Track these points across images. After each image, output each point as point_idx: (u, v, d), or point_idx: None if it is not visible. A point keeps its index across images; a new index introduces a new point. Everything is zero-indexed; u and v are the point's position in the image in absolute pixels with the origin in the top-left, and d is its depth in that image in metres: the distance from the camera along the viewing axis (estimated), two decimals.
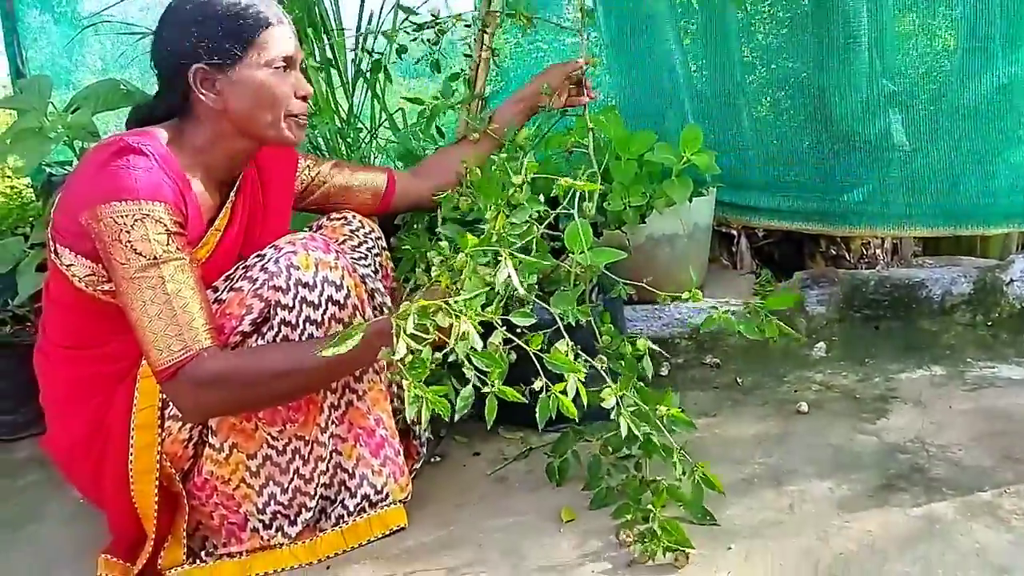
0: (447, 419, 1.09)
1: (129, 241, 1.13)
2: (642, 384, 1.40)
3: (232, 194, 1.33)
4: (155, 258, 1.14)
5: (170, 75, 1.24)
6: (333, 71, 2.20)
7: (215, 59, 1.21)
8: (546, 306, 1.63)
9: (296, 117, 1.27)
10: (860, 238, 2.15)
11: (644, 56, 2.20)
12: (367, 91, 2.23)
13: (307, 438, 1.28)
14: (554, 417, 1.69)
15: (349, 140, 2.09)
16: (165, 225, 1.15)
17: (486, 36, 2.30)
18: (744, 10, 2.11)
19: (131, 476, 1.25)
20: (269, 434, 1.27)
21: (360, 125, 2.21)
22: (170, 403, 1.24)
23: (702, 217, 2.03)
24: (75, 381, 1.26)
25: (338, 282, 1.26)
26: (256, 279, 1.25)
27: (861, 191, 2.09)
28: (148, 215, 1.14)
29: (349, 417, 1.33)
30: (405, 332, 1.01)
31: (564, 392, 1.19)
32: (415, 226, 1.82)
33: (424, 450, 1.56)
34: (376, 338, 1.13)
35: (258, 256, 1.27)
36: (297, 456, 1.29)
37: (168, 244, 1.15)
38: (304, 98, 1.27)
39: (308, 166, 1.54)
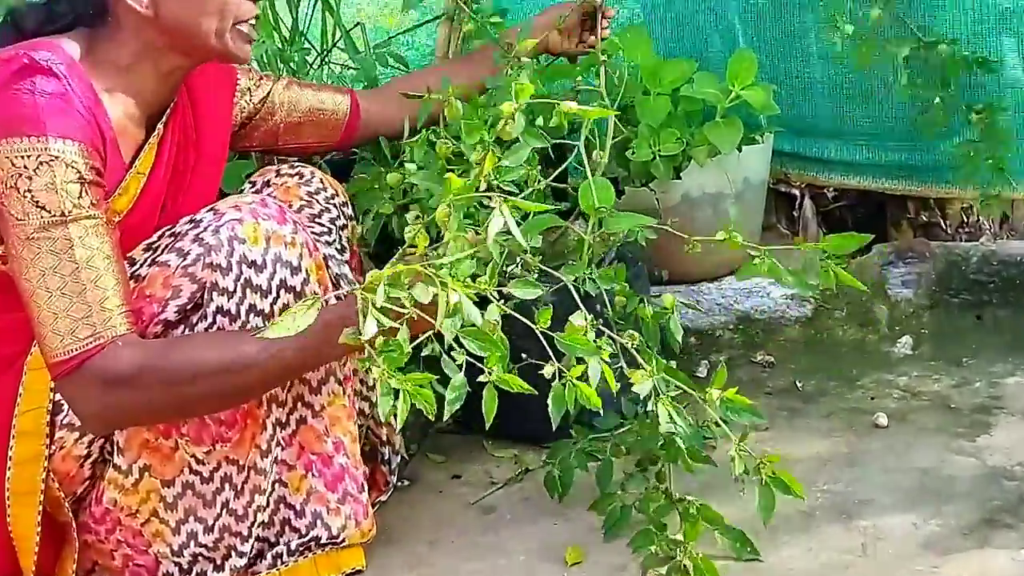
0: (425, 428, 1.09)
1: (29, 190, 1.12)
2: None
3: (160, 126, 1.32)
4: (62, 214, 1.12)
5: None
6: None
7: None
8: (555, 272, 1.63)
9: (246, 25, 1.27)
10: (960, 201, 2.15)
11: None
12: (316, 1, 2.21)
13: (242, 463, 1.28)
14: (557, 425, 1.72)
15: (293, 64, 2.07)
16: (78, 171, 1.14)
17: None
18: None
19: (7, 497, 1.25)
20: (193, 455, 1.27)
21: (307, 45, 2.19)
22: (63, 406, 1.23)
23: (755, 172, 2.02)
24: None
25: (295, 263, 1.25)
26: (188, 252, 1.24)
27: (963, 139, 2.08)
28: (57, 157, 1.12)
29: (300, 439, 1.33)
30: (375, 307, 1.00)
31: (584, 379, 1.17)
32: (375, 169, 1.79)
33: (394, 479, 1.57)
34: (339, 325, 1.10)
35: (191, 222, 1.26)
36: (227, 485, 1.29)
37: (80, 197, 1.14)
38: (253, 2, 1.27)
39: (250, 87, 1.53)
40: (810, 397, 1.80)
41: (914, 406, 1.72)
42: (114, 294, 1.15)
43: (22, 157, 1.12)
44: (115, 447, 1.26)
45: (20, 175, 1.11)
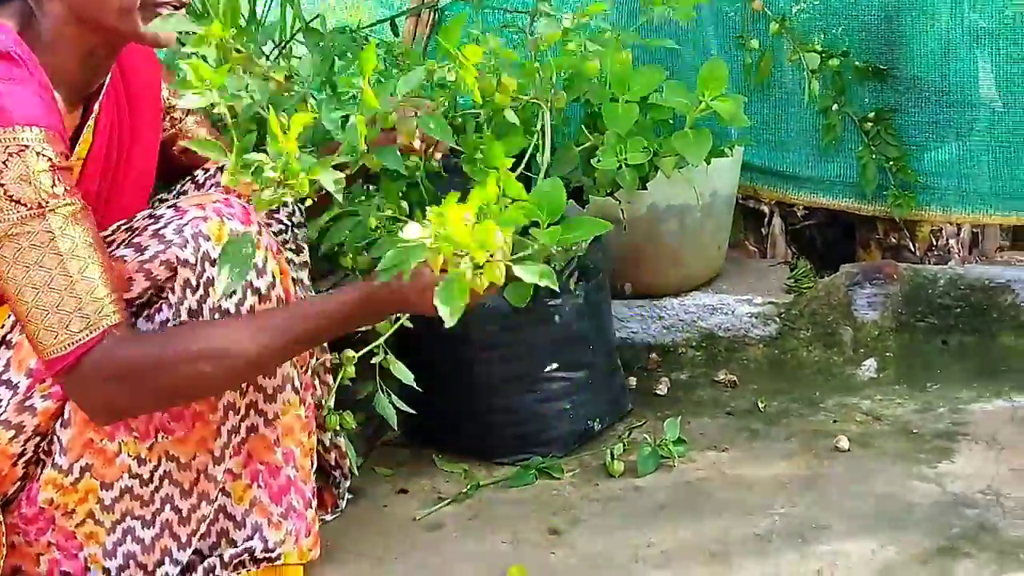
0: (373, 439, 1.08)
1: (1, 184, 1.10)
2: None
3: (95, 108, 1.30)
4: (39, 206, 1.11)
5: None
6: None
7: None
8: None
9: (163, 6, 1.22)
10: (930, 223, 2.18)
11: None
12: None
13: (183, 460, 1.27)
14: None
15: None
16: (48, 158, 1.12)
17: None
18: None
19: None
20: (136, 457, 1.25)
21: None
22: (0, 402, 1.21)
23: (724, 185, 2.04)
24: None
25: (260, 264, 1.25)
26: (145, 248, 1.23)
27: (933, 160, 2.12)
28: (27, 146, 1.10)
29: (249, 447, 1.32)
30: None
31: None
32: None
33: (342, 503, 1.56)
34: (303, 318, 1.16)
35: (150, 217, 1.25)
36: (168, 482, 1.28)
37: (55, 185, 1.12)
38: None
39: (173, 105, 1.51)
40: (771, 418, 1.82)
41: (876, 430, 1.74)
42: (102, 282, 1.14)
43: None
44: (58, 446, 1.25)
45: None
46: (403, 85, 1.32)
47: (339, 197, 1.24)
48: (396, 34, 2.33)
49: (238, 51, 1.23)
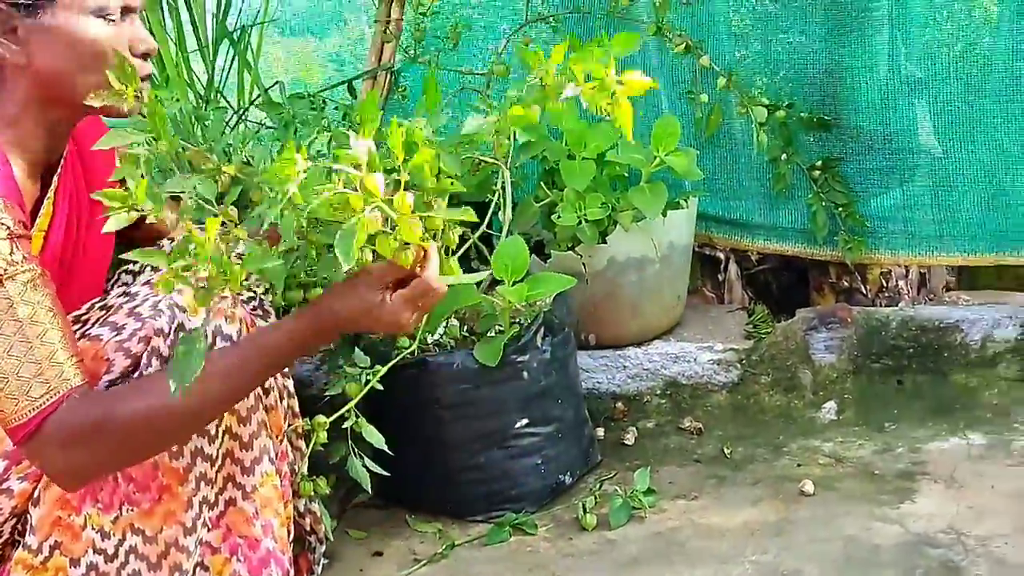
0: (344, 502, 1.09)
1: None
2: None
3: (55, 179, 1.31)
4: None
5: None
6: (186, 26, 2.19)
7: None
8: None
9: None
10: (879, 266, 2.26)
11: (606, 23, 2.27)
12: (234, 56, 2.22)
13: (149, 534, 1.26)
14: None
15: (208, 123, 2.07)
16: (7, 227, 1.13)
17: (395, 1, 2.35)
18: None
19: None
20: (100, 530, 1.24)
21: (224, 102, 2.20)
22: None
23: (680, 235, 2.09)
24: None
25: (234, 336, 1.26)
26: (123, 327, 1.23)
27: (879, 205, 2.20)
28: None
29: (228, 520, 1.32)
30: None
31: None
32: None
33: (319, 568, 1.55)
34: (257, 354, 1.15)
35: (125, 295, 1.26)
36: (134, 557, 1.26)
37: (12, 253, 1.13)
38: (145, 56, 1.25)
39: None
40: (738, 464, 1.85)
41: (839, 472, 1.79)
42: (62, 347, 1.14)
43: None
44: (29, 527, 1.24)
45: None
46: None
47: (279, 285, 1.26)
48: (354, 96, 2.36)
49: (185, 148, 1.24)
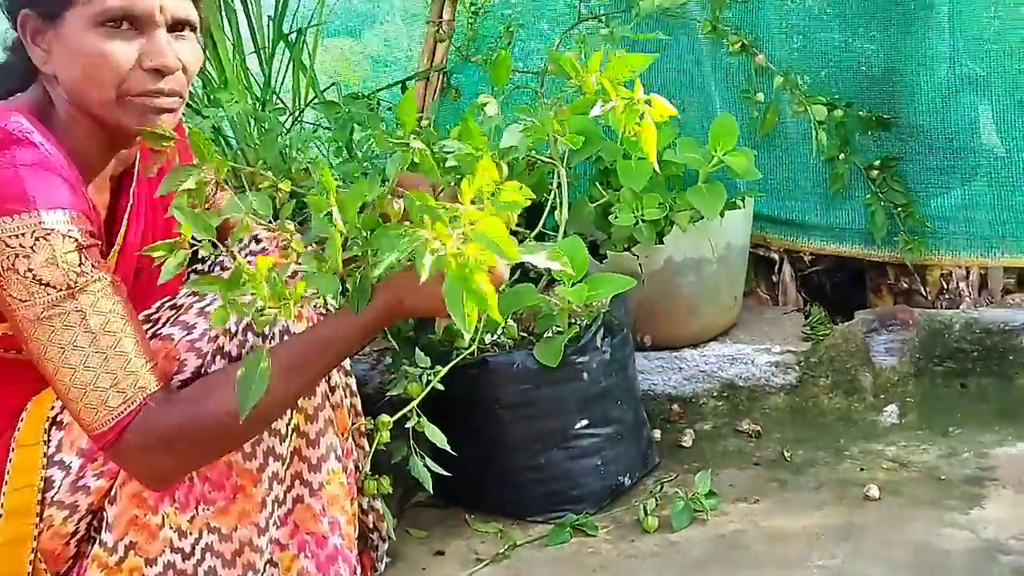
0: (403, 501, 1.08)
1: (30, 269, 1.10)
2: None
3: (131, 192, 1.32)
4: (69, 287, 1.11)
5: (12, 23, 1.22)
6: (243, 30, 2.21)
7: (42, 4, 1.18)
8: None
9: (145, 98, 1.18)
10: (940, 267, 2.22)
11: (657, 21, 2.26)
12: (290, 58, 2.24)
13: (224, 531, 1.27)
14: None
15: (265, 126, 2.08)
16: (75, 239, 1.13)
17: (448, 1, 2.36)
18: None
19: None
20: (177, 529, 1.25)
21: (280, 104, 2.22)
22: (54, 483, 1.21)
23: (737, 236, 2.07)
24: None
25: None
26: (193, 326, 1.24)
27: (940, 205, 2.16)
28: (52, 230, 1.11)
29: (296, 517, 1.32)
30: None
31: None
32: None
33: (381, 566, 1.55)
34: (325, 346, 1.14)
35: (194, 294, 1.26)
36: (210, 555, 1.27)
37: (82, 264, 1.13)
38: (157, 71, 1.18)
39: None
40: (799, 468, 1.83)
41: (904, 477, 1.75)
42: (136, 354, 1.15)
43: (15, 236, 1.10)
44: (105, 524, 1.24)
45: (17, 255, 1.10)
46: (390, 166, 1.34)
47: (334, 301, 1.24)
48: None
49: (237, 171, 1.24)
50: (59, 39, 1.18)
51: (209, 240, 1.16)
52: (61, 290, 1.11)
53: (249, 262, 1.26)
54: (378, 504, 1.53)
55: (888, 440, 1.90)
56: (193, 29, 1.23)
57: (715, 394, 2.05)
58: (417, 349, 1.65)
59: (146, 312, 1.29)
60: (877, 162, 2.16)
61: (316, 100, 2.18)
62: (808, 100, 2.12)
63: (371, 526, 1.53)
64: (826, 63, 2.22)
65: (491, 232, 0.98)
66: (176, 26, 1.21)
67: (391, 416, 1.52)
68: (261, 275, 1.06)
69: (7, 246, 1.10)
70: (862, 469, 1.80)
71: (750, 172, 1.97)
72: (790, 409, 2.01)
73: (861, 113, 2.16)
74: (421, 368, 1.61)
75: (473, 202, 1.03)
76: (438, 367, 1.60)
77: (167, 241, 1.15)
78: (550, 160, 1.76)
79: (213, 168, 1.18)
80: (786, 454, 1.88)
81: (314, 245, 1.26)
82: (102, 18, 1.16)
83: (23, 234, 1.10)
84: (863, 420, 1.96)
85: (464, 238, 0.98)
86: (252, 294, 1.06)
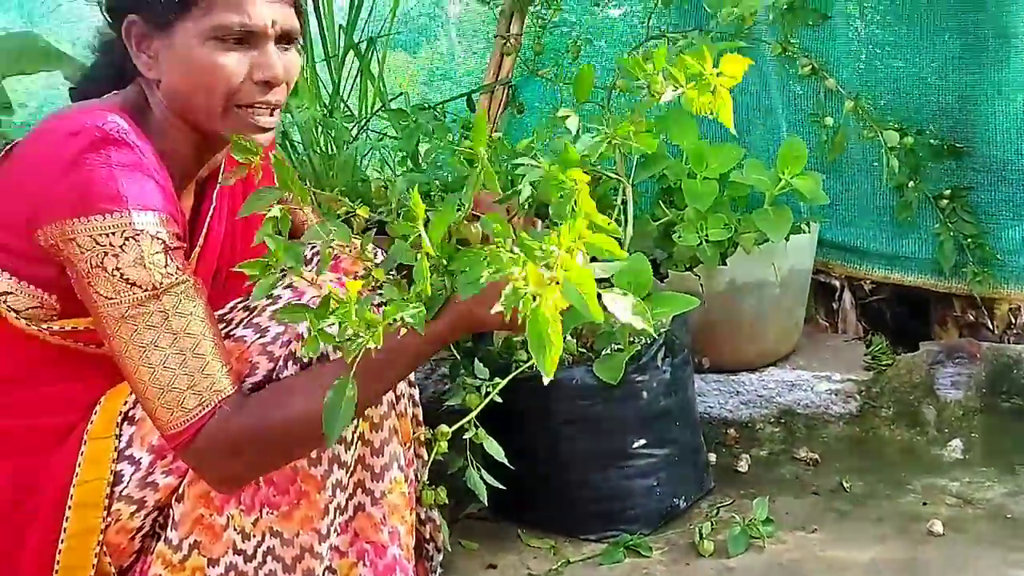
0: (455, 513, 1.07)
1: (118, 268, 1.12)
2: None
3: (215, 196, 1.33)
4: (154, 288, 1.13)
5: (113, 26, 1.25)
6: (315, 37, 2.23)
7: (152, 12, 1.20)
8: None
9: (251, 109, 1.21)
10: (1008, 302, 2.17)
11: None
12: (359, 68, 2.26)
13: (287, 536, 1.27)
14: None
15: (332, 133, 2.10)
16: (163, 240, 1.14)
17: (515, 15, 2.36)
18: None
19: (55, 572, 1.23)
20: (241, 530, 1.26)
21: (348, 111, 2.23)
22: (123, 478, 1.23)
23: (801, 261, 2.04)
24: None
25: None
26: (266, 329, 1.25)
27: (1011, 238, 2.12)
28: (142, 230, 1.12)
29: (356, 525, 1.32)
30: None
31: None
32: None
33: None
34: (396, 357, 1.12)
35: (267, 296, 1.27)
36: (271, 559, 1.27)
37: (167, 265, 1.14)
38: (266, 83, 1.21)
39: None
40: (858, 499, 1.79)
41: (969, 514, 1.71)
42: (214, 357, 1.15)
43: (106, 235, 1.11)
44: (170, 521, 1.25)
45: (106, 253, 1.11)
46: (468, 190, 1.33)
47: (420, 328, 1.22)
48: (472, 110, 2.38)
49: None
50: (168, 47, 1.19)
51: (295, 265, 1.17)
52: (146, 290, 1.12)
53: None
54: (435, 515, 1.52)
55: (952, 475, 1.85)
56: (294, 41, 1.26)
57: (772, 420, 2.02)
58: (476, 360, 1.65)
59: (220, 312, 1.29)
60: (947, 191, 2.12)
61: (382, 109, 2.19)
62: (880, 126, 2.09)
63: (427, 537, 1.52)
64: (896, 89, 2.18)
65: (582, 287, 0.96)
66: (282, 39, 1.23)
67: (448, 426, 1.52)
68: (352, 302, 1.05)
69: (97, 244, 1.11)
70: (925, 504, 1.75)
71: (818, 196, 1.93)
72: (849, 439, 1.97)
73: (933, 141, 2.12)
74: (480, 379, 1.61)
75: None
76: (497, 379, 1.59)
77: (258, 260, 1.15)
78: (616, 176, 1.75)
79: (295, 195, 1.19)
80: (845, 484, 1.84)
81: (394, 272, 1.27)
82: (218, 32, 1.18)
83: (113, 233, 1.11)
84: (926, 454, 1.92)
85: (552, 282, 0.96)
86: (340, 323, 1.06)
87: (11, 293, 1.18)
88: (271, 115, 1.23)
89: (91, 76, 1.32)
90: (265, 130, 1.23)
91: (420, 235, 1.13)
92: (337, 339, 1.07)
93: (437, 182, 1.90)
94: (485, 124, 1.26)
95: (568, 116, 1.40)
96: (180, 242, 1.18)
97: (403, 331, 1.21)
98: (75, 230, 1.11)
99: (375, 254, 1.46)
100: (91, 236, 1.11)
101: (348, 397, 1.09)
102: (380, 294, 1.20)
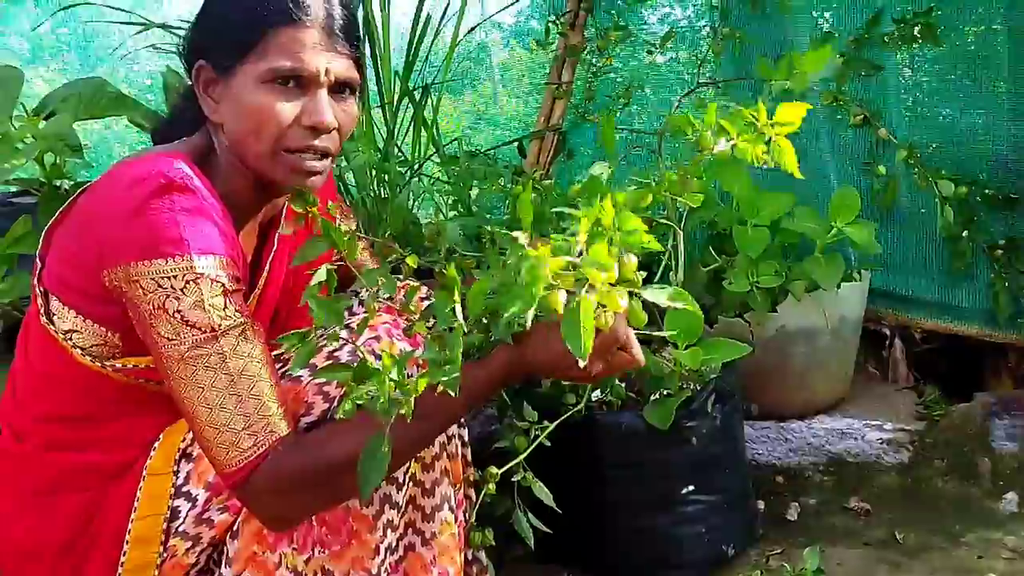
0: (501, 555, 1.06)
1: (179, 311, 1.14)
2: None
3: (276, 239, 1.36)
4: (212, 330, 1.15)
5: (188, 72, 1.29)
6: (371, 84, 2.28)
7: (216, 58, 1.23)
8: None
9: (298, 154, 1.22)
10: None
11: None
12: (412, 114, 2.30)
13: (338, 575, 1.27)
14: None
15: (386, 177, 2.14)
16: (223, 284, 1.16)
17: (568, 62, 2.40)
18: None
19: None
20: (293, 569, 1.26)
21: (401, 155, 2.28)
22: (180, 513, 1.24)
23: (852, 309, 2.03)
24: (56, 469, 1.27)
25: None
26: None
27: None
28: (202, 274, 1.14)
29: (406, 566, 1.32)
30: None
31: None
32: None
33: None
34: (448, 399, 1.10)
35: (324, 336, 1.29)
36: None
37: (226, 308, 1.16)
38: (314, 128, 1.21)
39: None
40: (912, 551, 1.75)
41: None
42: (270, 399, 1.17)
43: (168, 278, 1.13)
44: (224, 557, 1.26)
45: (168, 296, 1.13)
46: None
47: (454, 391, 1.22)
48: (523, 155, 2.41)
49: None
50: (229, 91, 1.23)
51: (338, 328, 1.19)
52: (205, 332, 1.14)
53: (369, 347, 1.28)
54: (482, 556, 1.52)
55: (1008, 529, 1.80)
56: (353, 92, 1.27)
57: (822, 468, 1.99)
58: (524, 402, 1.65)
59: (277, 352, 1.31)
60: (1002, 241, 2.09)
61: (436, 154, 2.23)
62: (934, 175, 2.08)
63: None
64: (947, 138, 2.17)
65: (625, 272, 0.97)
66: (338, 87, 1.24)
67: (497, 468, 1.52)
68: (387, 371, 1.07)
69: (159, 287, 1.14)
70: (980, 557, 1.71)
71: (871, 245, 1.94)
72: (901, 489, 1.93)
73: (987, 191, 2.10)
74: (528, 422, 1.61)
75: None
76: (545, 422, 1.60)
77: (299, 331, 1.17)
78: (667, 221, 1.76)
79: (345, 251, 1.22)
80: (897, 536, 1.80)
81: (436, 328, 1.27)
82: (272, 76, 1.20)
83: (175, 276, 1.14)
84: (980, 506, 1.88)
85: (584, 284, 0.96)
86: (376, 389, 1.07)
87: (77, 331, 1.21)
88: (320, 161, 1.24)
89: (172, 120, 1.37)
90: (312, 174, 1.24)
91: (455, 307, 1.12)
92: (372, 404, 1.07)
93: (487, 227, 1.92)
94: (530, 208, 1.23)
95: (602, 171, 1.41)
96: (239, 284, 1.20)
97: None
98: (139, 273, 1.14)
99: (428, 295, 1.49)
100: (154, 279, 1.13)
101: (382, 454, 1.09)
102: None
